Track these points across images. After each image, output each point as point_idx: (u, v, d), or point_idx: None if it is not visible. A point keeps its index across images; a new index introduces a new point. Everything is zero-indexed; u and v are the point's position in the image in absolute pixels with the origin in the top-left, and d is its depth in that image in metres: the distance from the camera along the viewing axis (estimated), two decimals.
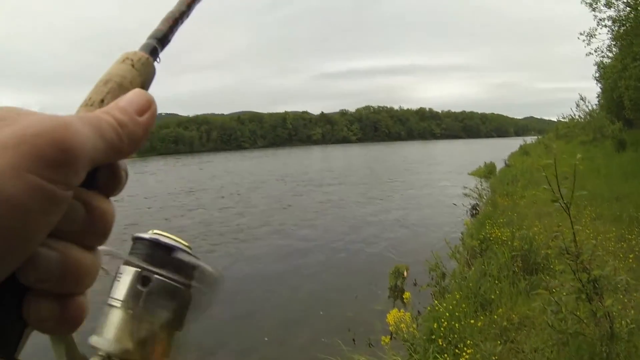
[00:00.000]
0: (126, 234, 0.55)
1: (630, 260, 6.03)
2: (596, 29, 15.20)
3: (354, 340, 5.81)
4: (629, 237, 7.10)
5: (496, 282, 5.70)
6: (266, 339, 6.76)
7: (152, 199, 22.57)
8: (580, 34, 15.61)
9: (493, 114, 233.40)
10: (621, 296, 4.85)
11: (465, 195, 13.33)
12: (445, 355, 4.22)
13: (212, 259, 11.34)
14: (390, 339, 5.12)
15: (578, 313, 3.29)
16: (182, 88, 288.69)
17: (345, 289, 8.79)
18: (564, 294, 3.38)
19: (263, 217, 16.80)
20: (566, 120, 39.44)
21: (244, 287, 9.08)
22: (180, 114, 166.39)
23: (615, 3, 13.95)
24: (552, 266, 5.30)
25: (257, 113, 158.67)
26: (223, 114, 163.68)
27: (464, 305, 5.14)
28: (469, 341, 4.40)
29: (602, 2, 14.13)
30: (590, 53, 15.99)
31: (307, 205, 19.04)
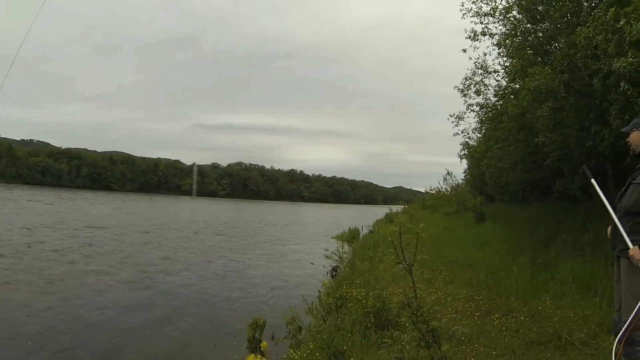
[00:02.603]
0: None
1: (476, 318, 6.71)
2: (465, 112, 16.52)
3: None
4: (477, 297, 7.87)
5: (349, 335, 5.98)
6: None
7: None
8: (450, 115, 16.92)
9: (363, 181, 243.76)
10: (464, 347, 5.42)
11: (327, 257, 13.80)
12: None
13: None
14: None
15: (418, 358, 3.65)
16: (59, 117, 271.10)
17: (205, 339, 8.75)
18: (406, 343, 3.76)
19: (121, 262, 16.15)
20: (433, 192, 42.11)
21: (100, 337, 8.73)
22: (52, 143, 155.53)
23: (484, 91, 15.47)
24: (400, 321, 5.72)
25: (129, 155, 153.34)
26: (96, 151, 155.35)
27: (317, 354, 5.35)
28: None
29: (472, 90, 15.54)
30: (457, 133, 17.38)
31: (167, 256, 18.52)
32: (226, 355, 7.39)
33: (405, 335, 3.91)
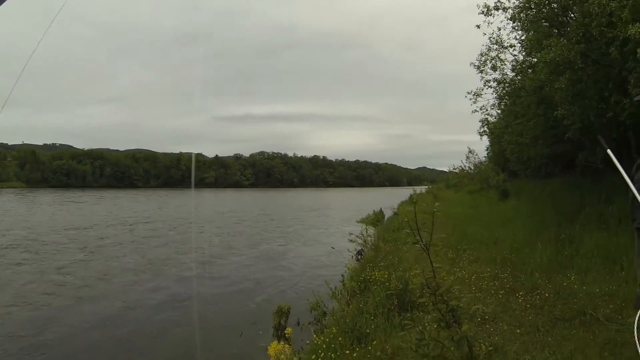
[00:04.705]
0: None
1: (500, 296, 6.71)
2: (482, 89, 16.29)
3: None
4: (502, 275, 7.82)
5: (372, 318, 5.99)
6: None
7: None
8: (468, 92, 16.69)
9: (387, 164, 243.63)
10: (487, 326, 5.40)
11: (351, 241, 13.79)
12: None
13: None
14: None
15: (439, 339, 3.65)
16: (81, 120, 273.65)
17: (232, 328, 8.90)
18: (427, 323, 3.75)
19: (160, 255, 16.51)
20: (456, 171, 41.72)
21: (134, 328, 9.13)
22: (75, 146, 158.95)
23: (501, 67, 15.24)
24: (422, 302, 5.72)
25: (152, 152, 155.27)
26: (118, 150, 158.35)
27: (340, 339, 5.38)
28: None
29: (488, 66, 15.31)
30: (475, 110, 17.14)
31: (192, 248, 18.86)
32: (253, 343, 7.48)
33: (427, 316, 3.89)
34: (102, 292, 11.93)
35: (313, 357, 5.13)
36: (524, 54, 14.53)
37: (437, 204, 3.87)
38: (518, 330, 5.26)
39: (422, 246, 3.71)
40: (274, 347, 5.40)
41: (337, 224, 28.74)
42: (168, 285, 12.80)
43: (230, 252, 18.30)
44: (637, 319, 3.32)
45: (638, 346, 3.30)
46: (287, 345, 5.43)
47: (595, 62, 9.54)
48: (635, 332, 3.29)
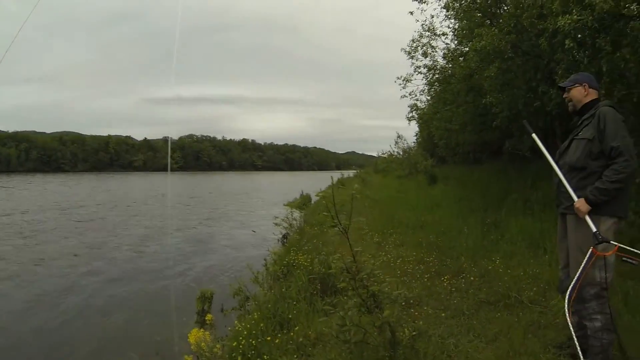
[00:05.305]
0: None
1: (426, 280, 6.66)
2: (412, 75, 16.41)
3: None
4: (427, 259, 7.80)
5: (295, 303, 5.83)
6: None
7: None
8: (398, 77, 16.80)
9: (316, 148, 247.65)
10: (412, 310, 5.33)
11: (276, 225, 13.55)
12: None
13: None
14: (198, 359, 5.04)
15: (361, 324, 3.53)
16: (5, 100, 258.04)
17: (155, 315, 8.51)
18: (348, 308, 3.62)
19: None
20: (385, 156, 41.85)
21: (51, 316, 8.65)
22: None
23: (432, 53, 15.37)
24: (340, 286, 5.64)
25: (79, 135, 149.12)
26: (45, 133, 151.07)
27: (262, 324, 5.18)
28: (265, 356, 4.47)
29: (419, 52, 15.41)
30: (404, 96, 17.27)
31: (115, 233, 18.21)
32: (175, 330, 7.16)
33: (350, 301, 3.75)
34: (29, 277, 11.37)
35: (234, 344, 4.91)
36: (455, 42, 14.73)
37: (356, 186, 3.75)
38: (443, 314, 5.21)
39: (341, 229, 3.56)
40: (195, 334, 5.13)
41: (265, 207, 28.49)
42: (101, 269, 12.28)
43: (161, 235, 17.86)
44: (566, 301, 3.30)
45: (570, 326, 3.28)
46: (207, 333, 5.17)
47: (525, 52, 9.72)
48: (568, 315, 3.26)
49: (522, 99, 10.13)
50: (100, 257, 13.80)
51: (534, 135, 4.34)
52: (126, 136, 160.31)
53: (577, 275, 3.35)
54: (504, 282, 6.05)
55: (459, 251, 8.11)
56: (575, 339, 3.28)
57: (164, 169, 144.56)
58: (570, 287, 3.36)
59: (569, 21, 6.63)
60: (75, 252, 14.36)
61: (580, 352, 3.25)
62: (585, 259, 3.35)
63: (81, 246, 15.43)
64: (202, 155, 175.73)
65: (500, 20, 9.94)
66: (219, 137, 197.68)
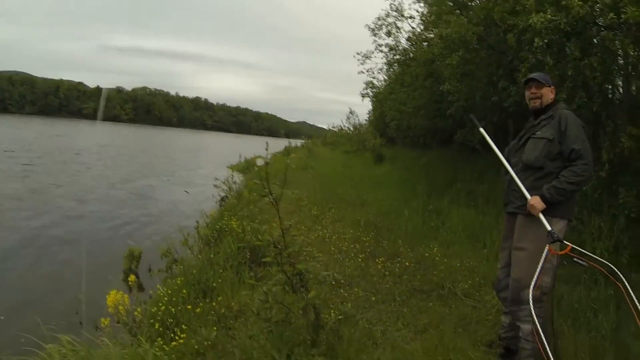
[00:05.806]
0: None
1: (360, 260, 6.49)
2: (372, 52, 16.28)
3: (81, 323, 5.26)
4: (364, 239, 7.62)
5: (221, 271, 5.58)
6: None
7: None
8: (357, 53, 16.63)
9: (267, 113, 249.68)
10: (342, 290, 5.16)
11: (216, 187, 13.12)
12: (160, 339, 3.92)
13: None
14: (118, 322, 4.68)
15: (284, 302, 3.33)
16: None
17: (79, 272, 7.97)
18: (272, 284, 3.38)
19: None
20: (335, 130, 41.76)
21: None
22: None
23: (396, 34, 15.20)
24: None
25: (30, 75, 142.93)
26: None
27: (184, 291, 4.89)
28: (184, 326, 4.20)
29: (383, 31, 15.24)
30: (362, 72, 17.14)
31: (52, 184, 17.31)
32: (101, 289, 6.70)
33: (276, 276, 3.51)
34: None
35: (154, 309, 4.57)
36: (422, 27, 14.59)
37: (292, 155, 3.48)
38: (374, 298, 5.07)
39: (272, 200, 3.38)
40: (113, 296, 4.74)
41: (211, 167, 27.87)
42: (36, 217, 11.41)
43: (103, 187, 17.01)
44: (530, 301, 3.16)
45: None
46: (125, 295, 4.80)
47: (491, 46, 9.67)
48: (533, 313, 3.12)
49: (480, 92, 10.08)
50: (42, 204, 12.97)
51: (481, 129, 4.31)
52: (78, 82, 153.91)
53: (537, 273, 3.21)
54: (440, 272, 5.96)
55: (397, 234, 7.97)
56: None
57: (113, 118, 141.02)
58: (532, 286, 3.21)
59: (542, 19, 6.51)
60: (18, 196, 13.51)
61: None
62: (543, 257, 3.23)
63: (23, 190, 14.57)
64: (153, 109, 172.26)
65: (471, 12, 9.84)
66: (173, 93, 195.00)
